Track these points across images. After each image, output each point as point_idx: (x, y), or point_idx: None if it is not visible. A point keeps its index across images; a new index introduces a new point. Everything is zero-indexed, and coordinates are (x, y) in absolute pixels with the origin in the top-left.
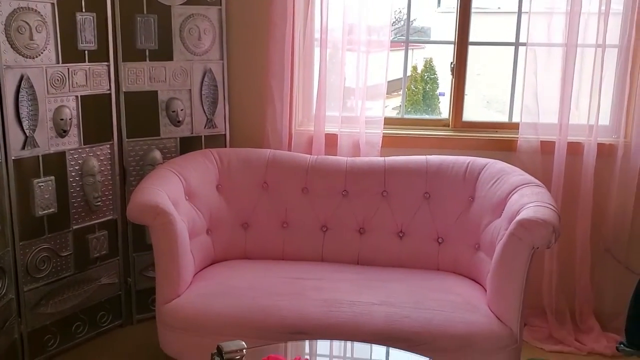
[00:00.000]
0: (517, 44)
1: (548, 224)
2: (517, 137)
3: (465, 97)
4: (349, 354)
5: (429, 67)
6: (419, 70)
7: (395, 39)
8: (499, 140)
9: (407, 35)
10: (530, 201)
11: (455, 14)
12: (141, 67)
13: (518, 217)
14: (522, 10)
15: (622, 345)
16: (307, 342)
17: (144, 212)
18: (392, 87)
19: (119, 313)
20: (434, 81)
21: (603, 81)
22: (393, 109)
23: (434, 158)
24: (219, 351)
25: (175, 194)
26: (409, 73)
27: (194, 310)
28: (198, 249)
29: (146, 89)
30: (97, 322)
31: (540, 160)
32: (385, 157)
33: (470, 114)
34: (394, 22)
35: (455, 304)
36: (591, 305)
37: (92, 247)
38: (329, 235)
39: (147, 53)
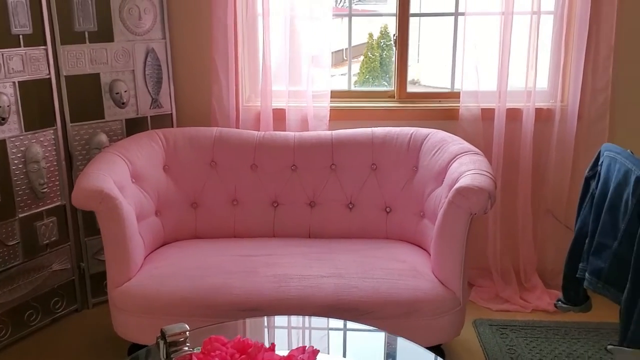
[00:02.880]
0: (456, 14)
1: (484, 190)
2: (459, 106)
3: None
4: (293, 327)
5: (384, 33)
6: (375, 37)
7: (350, 4)
8: (442, 110)
9: (350, 5)
10: (468, 169)
11: None
12: (81, 49)
13: (456, 185)
14: None
15: (559, 302)
16: (248, 320)
17: (89, 197)
18: (355, 52)
19: (74, 298)
20: (390, 48)
21: (540, 48)
22: (354, 75)
23: (380, 130)
24: (163, 335)
25: (121, 177)
26: (363, 41)
27: (146, 292)
28: (147, 231)
29: (88, 72)
30: (52, 308)
31: (481, 127)
32: (333, 131)
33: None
34: None
35: (401, 271)
36: (534, 264)
37: (40, 234)
38: (279, 210)
39: (87, 35)
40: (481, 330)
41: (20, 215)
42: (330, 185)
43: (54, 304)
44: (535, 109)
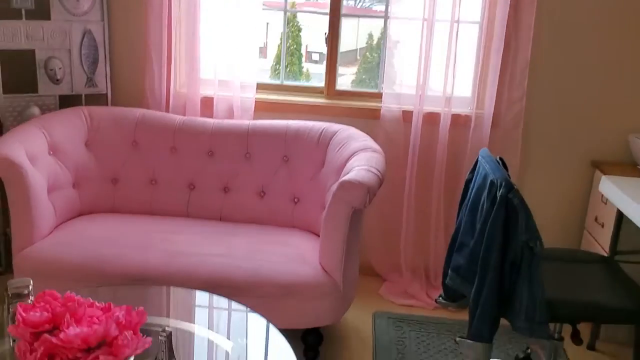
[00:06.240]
0: (386, 17)
1: (364, 185)
2: (381, 106)
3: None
4: (172, 299)
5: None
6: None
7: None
8: (365, 109)
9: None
10: (359, 165)
11: None
12: (17, 25)
13: (340, 179)
14: None
15: (440, 298)
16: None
17: None
18: (350, 56)
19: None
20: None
21: (461, 55)
22: (352, 79)
23: (294, 123)
24: (6, 287)
25: (35, 148)
26: (362, 43)
27: (43, 257)
28: (61, 201)
29: (23, 47)
30: None
31: (402, 127)
32: (250, 121)
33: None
34: None
35: (289, 256)
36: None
37: None
38: (195, 193)
39: (24, 12)
40: (378, 322)
41: None
42: (243, 173)
43: None
44: (452, 114)
